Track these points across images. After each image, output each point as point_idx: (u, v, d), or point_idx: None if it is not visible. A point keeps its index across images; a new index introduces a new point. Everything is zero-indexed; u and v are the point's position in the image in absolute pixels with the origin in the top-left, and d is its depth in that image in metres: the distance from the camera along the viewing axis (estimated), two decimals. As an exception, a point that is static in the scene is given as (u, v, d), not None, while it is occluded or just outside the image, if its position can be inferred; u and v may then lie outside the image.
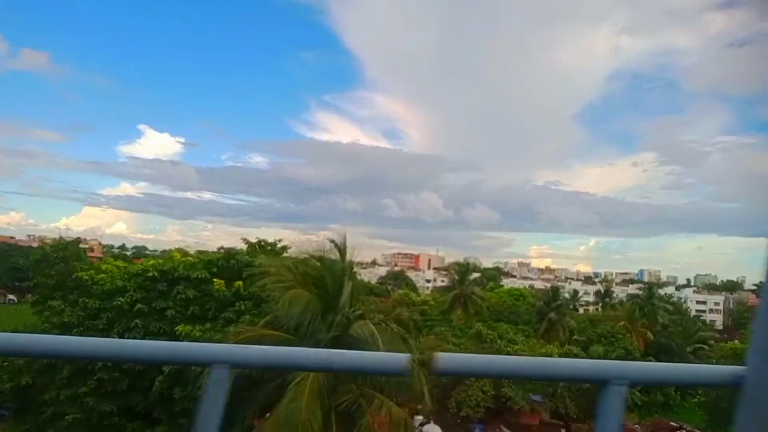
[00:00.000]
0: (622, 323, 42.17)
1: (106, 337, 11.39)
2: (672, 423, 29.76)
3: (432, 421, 22.00)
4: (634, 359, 31.29)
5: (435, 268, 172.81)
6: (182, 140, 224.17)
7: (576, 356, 30.98)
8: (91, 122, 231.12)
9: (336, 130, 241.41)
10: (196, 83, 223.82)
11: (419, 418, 19.78)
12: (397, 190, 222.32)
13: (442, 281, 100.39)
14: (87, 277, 21.44)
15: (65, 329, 19.56)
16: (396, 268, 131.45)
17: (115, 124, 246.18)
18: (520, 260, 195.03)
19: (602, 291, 60.30)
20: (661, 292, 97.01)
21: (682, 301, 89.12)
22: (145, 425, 18.73)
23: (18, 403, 21.40)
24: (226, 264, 22.76)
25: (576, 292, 66.62)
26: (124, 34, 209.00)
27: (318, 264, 12.30)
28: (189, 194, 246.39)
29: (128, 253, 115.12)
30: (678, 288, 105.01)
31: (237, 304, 19.89)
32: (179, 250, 36.48)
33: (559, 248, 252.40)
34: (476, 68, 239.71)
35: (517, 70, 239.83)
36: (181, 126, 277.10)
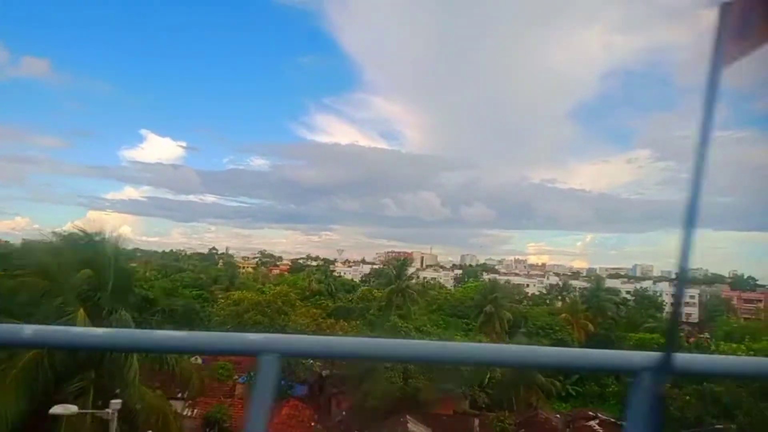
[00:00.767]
0: (563, 316, 42.60)
1: None
2: (590, 412, 30.22)
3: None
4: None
5: (428, 266, 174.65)
6: (184, 144, 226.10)
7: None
8: (93, 128, 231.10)
9: (335, 132, 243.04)
10: (196, 88, 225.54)
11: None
12: (395, 190, 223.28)
13: (433, 278, 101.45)
14: None
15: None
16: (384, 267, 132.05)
17: (117, 130, 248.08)
18: (516, 257, 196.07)
19: (560, 285, 60.62)
20: (643, 285, 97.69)
21: (658, 294, 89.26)
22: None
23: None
24: None
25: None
26: (123, 40, 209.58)
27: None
28: (192, 197, 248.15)
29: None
30: (655, 282, 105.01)
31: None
32: None
33: (557, 245, 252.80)
34: (471, 68, 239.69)
35: (511, 69, 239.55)
36: (183, 130, 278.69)
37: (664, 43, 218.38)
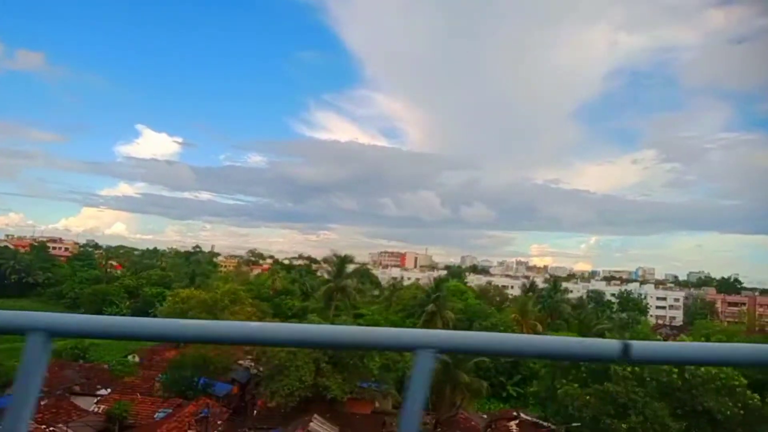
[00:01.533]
0: (513, 316, 42.16)
1: None
2: (513, 413, 29.83)
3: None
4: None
5: (422, 266, 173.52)
6: (180, 140, 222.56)
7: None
8: (88, 123, 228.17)
9: (335, 128, 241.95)
10: (193, 83, 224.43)
11: None
12: (395, 189, 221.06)
13: (418, 278, 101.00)
14: None
15: None
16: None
17: (113, 125, 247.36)
18: (518, 258, 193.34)
19: (527, 286, 60.11)
20: (630, 288, 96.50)
21: (642, 297, 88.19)
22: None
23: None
24: None
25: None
26: (119, 34, 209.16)
27: None
28: (187, 194, 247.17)
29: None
30: (641, 284, 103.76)
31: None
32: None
33: (560, 246, 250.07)
34: (475, 66, 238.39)
35: (515, 69, 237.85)
36: (179, 126, 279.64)
37: (669, 43, 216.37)
